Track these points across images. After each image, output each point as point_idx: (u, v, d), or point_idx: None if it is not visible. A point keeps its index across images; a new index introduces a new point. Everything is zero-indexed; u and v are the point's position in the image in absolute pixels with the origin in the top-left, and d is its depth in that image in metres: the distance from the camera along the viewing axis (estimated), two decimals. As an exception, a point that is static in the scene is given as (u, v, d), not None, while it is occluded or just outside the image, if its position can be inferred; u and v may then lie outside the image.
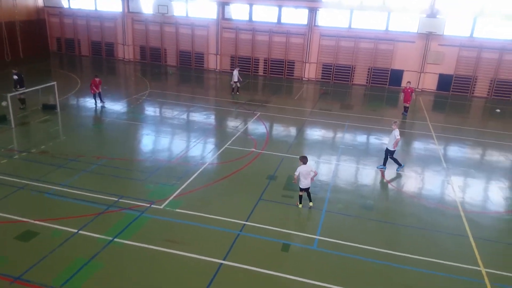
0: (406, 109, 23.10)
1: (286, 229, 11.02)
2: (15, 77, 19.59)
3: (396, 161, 15.29)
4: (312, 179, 11.91)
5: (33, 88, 19.53)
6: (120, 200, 11.96)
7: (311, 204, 12.21)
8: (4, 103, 18.79)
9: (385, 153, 15.36)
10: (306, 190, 11.97)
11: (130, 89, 27.27)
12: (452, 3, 27.80)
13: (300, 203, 12.19)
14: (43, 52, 36.43)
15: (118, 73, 32.52)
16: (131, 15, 34.80)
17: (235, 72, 25.89)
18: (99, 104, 21.75)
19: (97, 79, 21.57)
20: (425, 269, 9.71)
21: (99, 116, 20.27)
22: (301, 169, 11.63)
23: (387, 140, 15.70)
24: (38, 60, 33.58)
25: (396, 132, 14.85)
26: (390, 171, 15.30)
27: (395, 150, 15.13)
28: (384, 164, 15.42)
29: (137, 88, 26.83)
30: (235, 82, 25.84)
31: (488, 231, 11.65)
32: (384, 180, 14.63)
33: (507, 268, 9.92)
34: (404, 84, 30.23)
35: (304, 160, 11.71)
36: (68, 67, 32.75)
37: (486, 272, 9.70)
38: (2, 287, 8.35)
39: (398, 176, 15.09)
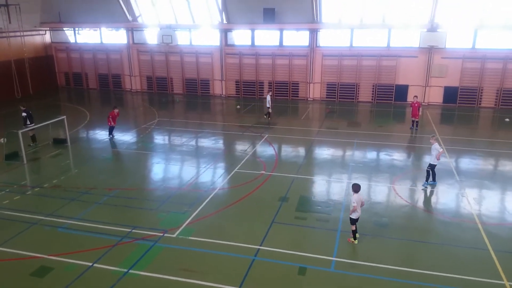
0: (415, 123, 23.03)
1: (302, 251, 10.87)
2: (24, 114, 19.94)
3: (434, 175, 15.22)
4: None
5: (43, 124, 19.82)
6: (133, 230, 11.94)
7: (356, 241, 11.25)
8: (2, 140, 19.19)
9: (428, 169, 15.23)
10: (357, 222, 11.16)
11: (139, 119, 27.56)
12: (451, 16, 28.03)
13: (355, 238, 11.18)
14: (52, 87, 37.15)
15: (126, 104, 32.94)
16: (136, 46, 35.51)
17: (268, 98, 25.45)
18: (107, 137, 21.88)
19: (116, 111, 21.88)
20: (446, 285, 9.48)
21: (110, 147, 20.43)
22: (356, 198, 10.84)
23: (428, 158, 15.73)
24: (47, 95, 34.21)
25: (436, 146, 14.87)
26: (403, 187, 15.14)
27: (436, 164, 15.06)
28: (427, 180, 15.29)
29: (146, 117, 27.12)
30: (269, 107, 25.49)
31: (509, 243, 11.39)
32: (398, 196, 14.46)
33: (531, 280, 9.65)
34: (410, 98, 30.26)
35: (357, 188, 10.92)
36: (77, 101, 33.28)
37: (510, 285, 9.44)
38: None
39: (412, 191, 14.92)
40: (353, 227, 11.18)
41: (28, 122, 19.83)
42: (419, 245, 11.23)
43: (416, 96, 23.60)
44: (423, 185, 15.24)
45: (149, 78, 35.98)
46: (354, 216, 11.01)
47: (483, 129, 24.35)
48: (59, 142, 20.55)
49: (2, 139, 19.07)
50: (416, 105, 22.49)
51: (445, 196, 14.51)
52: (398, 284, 9.61)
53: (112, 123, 21.57)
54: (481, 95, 29.14)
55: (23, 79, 33.90)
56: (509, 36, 27.95)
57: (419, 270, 10.08)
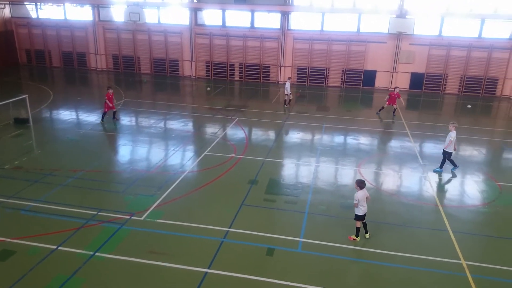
0: (382, 109, 23.55)
1: (270, 233, 11.02)
2: None
3: (452, 162, 15.43)
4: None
5: (4, 102, 18.96)
6: (99, 213, 11.72)
7: (367, 236, 10.94)
8: None
9: (443, 156, 15.39)
10: (363, 218, 10.78)
11: (104, 99, 26.76)
12: (420, 3, 28.56)
13: (357, 236, 10.82)
14: (12, 65, 35.46)
15: (91, 83, 31.96)
16: (102, 23, 34.29)
17: (287, 84, 24.67)
18: (107, 120, 20.66)
19: (110, 91, 20.64)
20: (408, 265, 9.87)
21: (75, 128, 19.81)
22: (359, 195, 10.55)
23: (443, 144, 15.58)
24: (8, 73, 32.65)
25: (453, 134, 14.93)
26: (368, 170, 15.52)
27: (452, 152, 15.19)
28: (441, 167, 15.44)
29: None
30: (288, 94, 24.73)
31: (467, 224, 11.96)
32: (364, 179, 14.79)
33: (486, 260, 10.20)
34: (378, 84, 30.84)
35: (361, 185, 10.58)
36: (39, 79, 31.97)
37: (467, 264, 9.94)
38: (-21, 310, 8.06)
39: (377, 174, 15.33)
40: (358, 224, 10.76)
41: None
42: (382, 226, 11.60)
43: (397, 87, 23.99)
44: (435, 170, 15.47)
45: (115, 57, 34.94)
46: (358, 212, 10.64)
47: (446, 115, 25.16)
48: (21, 122, 19.76)
49: None
50: (395, 96, 22.88)
51: (409, 180, 15.00)
52: (361, 264, 9.93)
53: (110, 106, 20.52)
54: (445, 82, 30.04)
55: (-19, 55, 32.25)
56: (473, 24, 28.79)
57: (382, 251, 10.43)
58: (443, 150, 15.39)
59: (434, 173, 15.38)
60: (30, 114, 19.93)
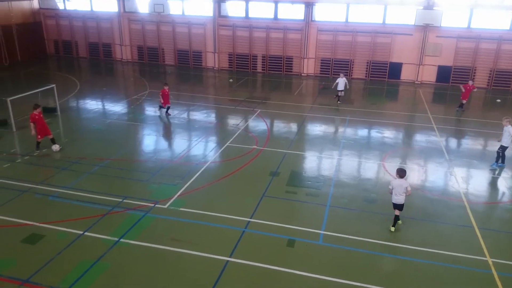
0: (462, 105, 22.70)
1: (291, 224, 11.04)
2: None
3: (503, 157, 15.11)
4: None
5: (33, 92, 19.49)
6: (124, 200, 11.97)
7: (393, 229, 10.87)
8: None
9: (499, 150, 15.08)
10: (399, 208, 10.72)
11: (130, 89, 27.23)
12: (449, -6, 27.80)
13: (393, 225, 10.82)
14: (40, 55, 36.36)
15: (116, 74, 32.48)
16: (127, 15, 34.71)
17: (342, 80, 23.12)
18: (162, 114, 20.74)
19: (166, 88, 20.40)
20: (431, 261, 9.73)
21: (100, 118, 20.21)
22: (395, 182, 10.52)
23: (502, 139, 15.09)
24: (36, 63, 33.52)
25: (510, 129, 14.64)
26: (393, 164, 15.31)
27: (508, 147, 14.90)
28: (497, 161, 15.15)
29: (136, 88, 26.80)
30: (341, 90, 23.26)
31: (493, 221, 11.69)
32: (387, 173, 14.63)
33: (512, 257, 9.96)
34: (404, 76, 30.30)
35: (401, 173, 10.48)
36: (67, 70, 32.68)
37: (493, 262, 9.73)
38: (10, 290, 8.38)
39: (401, 169, 15.09)
40: (396, 212, 10.76)
41: None
42: (406, 221, 11.44)
43: (472, 80, 23.28)
44: (491, 166, 15.18)
45: (140, 48, 35.36)
46: (392, 200, 10.66)
47: (474, 109, 24.52)
48: (49, 111, 20.25)
49: None
50: (471, 88, 22.20)
51: (434, 174, 14.72)
52: (385, 258, 9.84)
53: (165, 102, 20.36)
54: (474, 75, 29.22)
55: (11, 46, 33.18)
56: (504, 16, 27.85)
57: (406, 246, 10.31)
58: (500, 145, 14.98)
59: (491, 169, 15.02)
60: (58, 103, 20.42)
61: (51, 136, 15.57)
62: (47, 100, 21.32)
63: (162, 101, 20.35)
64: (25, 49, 34.53)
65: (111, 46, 36.02)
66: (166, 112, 20.69)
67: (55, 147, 15.46)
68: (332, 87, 23.78)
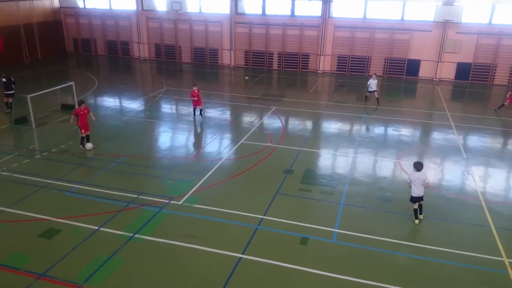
0: (501, 106, 22.02)
1: (304, 222, 11.01)
2: (4, 80, 19.98)
3: None
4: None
5: (52, 89, 19.87)
6: (139, 196, 12.13)
7: (421, 216, 11.17)
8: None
9: None
10: (419, 200, 10.95)
11: (147, 87, 27.52)
12: (469, -10, 27.20)
13: (416, 218, 11.04)
14: (60, 53, 37.02)
15: (134, 72, 32.86)
16: (145, 13, 35.03)
17: (374, 81, 22.18)
18: (198, 117, 19.68)
19: (195, 89, 19.21)
20: (447, 260, 9.59)
21: (118, 115, 20.49)
22: (413, 176, 10.73)
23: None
24: (56, 61, 34.14)
25: None
26: (409, 162, 15.09)
27: None
28: None
29: (154, 86, 27.08)
30: (372, 91, 22.38)
31: (510, 221, 11.42)
32: (403, 172, 14.44)
33: (531, 258, 9.73)
34: (422, 73, 29.83)
35: (418, 166, 10.73)
36: (85, 67, 33.22)
37: (509, 262, 9.53)
38: (27, 283, 8.58)
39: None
40: (415, 206, 10.99)
41: (10, 89, 19.88)
42: (422, 220, 11.29)
43: None
44: None
45: (158, 46, 35.66)
46: (412, 193, 10.83)
47: (494, 107, 23.97)
48: (67, 108, 20.64)
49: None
50: None
51: (451, 173, 14.48)
52: (399, 258, 9.74)
53: (196, 103, 19.34)
54: (494, 72, 28.55)
55: (32, 44, 33.86)
56: (527, 11, 27.11)
57: (421, 245, 10.19)
58: None
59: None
60: (76, 100, 20.76)
61: (88, 133, 15.87)
62: (66, 97, 21.72)
63: (194, 100, 19.28)
64: (45, 47, 35.20)
65: (129, 44, 36.44)
66: (200, 113, 19.68)
67: (89, 145, 15.74)
68: (368, 91, 22.71)
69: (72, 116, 15.81)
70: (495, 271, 9.27)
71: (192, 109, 19.90)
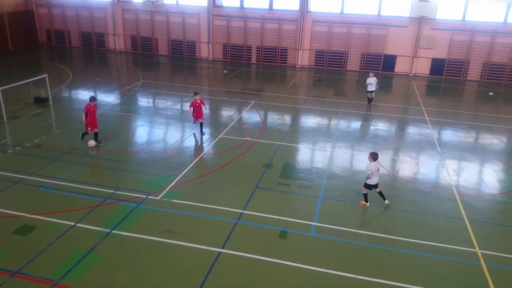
0: None
1: (284, 216, 11.08)
2: None
3: None
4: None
5: (24, 81, 19.29)
6: (116, 192, 11.94)
7: (387, 202, 11.76)
8: None
9: None
10: (375, 187, 11.59)
11: (123, 80, 27.04)
12: (444, -13, 27.74)
13: (367, 201, 11.71)
14: (32, 44, 35.92)
15: (109, 64, 32.21)
16: (120, 4, 34.30)
17: (372, 79, 21.05)
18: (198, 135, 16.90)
19: (197, 98, 16.37)
20: (421, 252, 9.83)
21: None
22: (372, 166, 11.29)
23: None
24: (28, 52, 33.12)
25: None
26: (385, 156, 15.37)
27: None
28: None
29: (130, 79, 26.62)
30: (372, 91, 21.20)
31: (483, 213, 11.79)
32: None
33: (501, 249, 10.07)
34: (398, 69, 30.34)
35: (375, 156, 11.36)
36: (59, 59, 32.37)
37: (482, 253, 9.85)
38: (1, 281, 8.35)
39: (393, 161, 15.19)
40: (364, 191, 11.69)
41: None
42: (397, 213, 11.54)
43: None
44: None
45: (134, 38, 35.03)
46: (371, 182, 11.45)
47: (467, 102, 24.66)
48: (41, 101, 20.10)
49: None
50: None
51: (426, 167, 14.81)
52: (375, 250, 9.92)
53: (196, 117, 16.59)
54: (467, 68, 29.30)
55: (2, 34, 32.74)
56: (498, 9, 27.87)
57: (396, 237, 10.40)
58: None
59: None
60: (50, 93, 20.24)
61: (96, 130, 15.34)
62: (39, 90, 21.13)
63: (192, 115, 16.69)
64: (16, 38, 34.09)
65: (104, 36, 35.67)
66: (201, 128, 16.88)
67: (92, 143, 15.26)
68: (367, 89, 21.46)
69: (84, 113, 15.11)
70: (468, 262, 9.57)
71: (192, 124, 17.09)
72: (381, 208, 11.73)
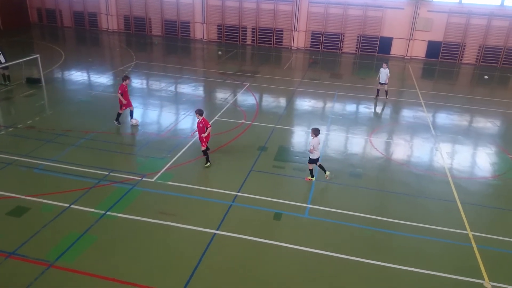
0: None
1: (278, 198, 11.13)
2: None
3: None
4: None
5: (16, 61, 18.99)
6: (110, 174, 11.91)
7: (328, 173, 12.17)
8: None
9: None
10: (316, 161, 11.93)
11: (116, 60, 26.72)
12: (441, -32, 27.42)
13: (312, 176, 12.11)
14: (23, 24, 35.25)
15: (102, 44, 31.74)
16: (113, -17, 33.65)
17: (384, 71, 19.49)
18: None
19: (200, 117, 12.38)
20: (414, 234, 9.95)
21: (85, 89, 19.84)
22: (314, 141, 11.55)
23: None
24: (19, 32, 32.53)
25: None
26: (379, 139, 15.41)
27: None
28: None
29: (123, 59, 26.30)
30: (383, 84, 19.72)
31: (475, 196, 11.93)
32: (374, 149, 14.75)
33: (492, 231, 10.23)
34: (394, 51, 30.18)
35: (316, 132, 11.62)
36: (51, 39, 31.83)
37: (473, 235, 9.99)
38: (-4, 262, 8.37)
39: (388, 144, 15.24)
40: (310, 167, 12.00)
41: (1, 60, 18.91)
42: (391, 196, 11.63)
43: None
44: None
45: (127, 18, 34.49)
46: (313, 156, 11.77)
47: (462, 85, 24.66)
48: (33, 82, 19.84)
49: None
50: None
51: (420, 150, 14.89)
52: (368, 231, 10.03)
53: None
54: (463, 51, 29.23)
55: (-8, 13, 32.05)
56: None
57: (389, 219, 10.50)
58: None
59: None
60: (42, 74, 19.96)
61: (132, 108, 15.37)
62: (31, 70, 20.83)
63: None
64: (7, 17, 33.41)
65: (97, 15, 35.07)
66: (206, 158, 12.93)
67: (134, 121, 15.42)
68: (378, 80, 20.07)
69: (120, 93, 15.03)
70: (460, 244, 9.71)
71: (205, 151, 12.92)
72: (374, 191, 11.81)
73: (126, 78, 15.25)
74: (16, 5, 34.57)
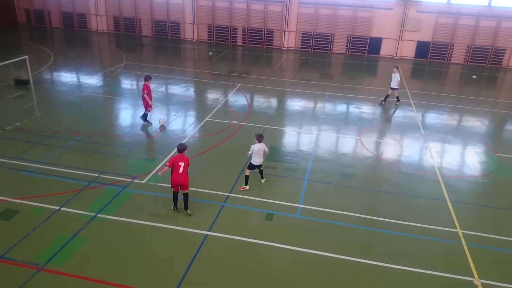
0: None
1: (270, 199, 11.14)
2: None
3: None
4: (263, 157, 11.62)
5: (4, 63, 18.75)
6: (100, 175, 11.81)
7: (263, 180, 11.91)
8: None
9: None
10: (258, 167, 11.65)
11: (105, 61, 26.53)
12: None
13: (246, 184, 11.53)
14: (11, 25, 34.80)
15: (92, 45, 31.49)
16: (102, -17, 33.40)
17: (396, 76, 18.81)
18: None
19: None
20: (404, 233, 10.03)
21: (75, 90, 19.66)
22: (256, 147, 11.23)
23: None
24: (6, 32, 32.12)
25: None
26: (370, 139, 15.51)
27: None
28: None
29: (112, 60, 26.11)
30: (395, 89, 19.02)
31: (465, 194, 12.06)
32: (364, 148, 14.83)
33: (481, 229, 10.35)
34: (383, 52, 30.37)
35: (259, 138, 11.31)
36: (39, 40, 31.48)
37: (463, 233, 10.10)
38: (-16, 266, 8.26)
39: (378, 144, 15.34)
40: (247, 172, 11.56)
41: None
42: (381, 195, 11.71)
43: None
44: None
45: (116, 19, 34.25)
46: (254, 162, 11.37)
47: (451, 85, 24.91)
48: (21, 83, 19.61)
49: None
50: None
51: (410, 149, 15.01)
52: (359, 231, 10.08)
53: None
54: (452, 51, 29.53)
55: (-21, 13, 31.60)
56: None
57: (380, 218, 10.57)
58: None
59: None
60: (31, 75, 19.74)
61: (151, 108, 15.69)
62: (19, 72, 20.60)
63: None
64: (-6, 18, 32.99)
65: (86, 16, 34.77)
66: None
67: (162, 120, 15.61)
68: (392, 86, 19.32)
69: (145, 93, 15.10)
70: (450, 242, 9.80)
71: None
72: (364, 190, 11.87)
73: (148, 78, 15.27)
74: (2, 5, 34.14)
